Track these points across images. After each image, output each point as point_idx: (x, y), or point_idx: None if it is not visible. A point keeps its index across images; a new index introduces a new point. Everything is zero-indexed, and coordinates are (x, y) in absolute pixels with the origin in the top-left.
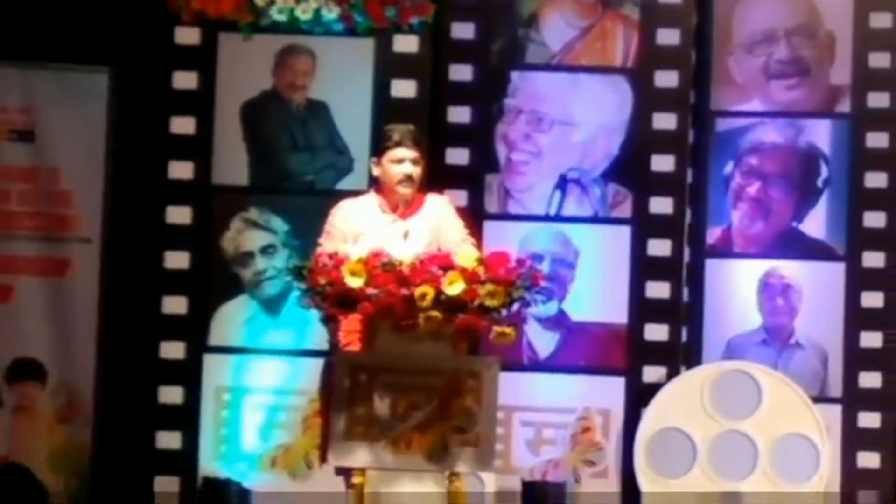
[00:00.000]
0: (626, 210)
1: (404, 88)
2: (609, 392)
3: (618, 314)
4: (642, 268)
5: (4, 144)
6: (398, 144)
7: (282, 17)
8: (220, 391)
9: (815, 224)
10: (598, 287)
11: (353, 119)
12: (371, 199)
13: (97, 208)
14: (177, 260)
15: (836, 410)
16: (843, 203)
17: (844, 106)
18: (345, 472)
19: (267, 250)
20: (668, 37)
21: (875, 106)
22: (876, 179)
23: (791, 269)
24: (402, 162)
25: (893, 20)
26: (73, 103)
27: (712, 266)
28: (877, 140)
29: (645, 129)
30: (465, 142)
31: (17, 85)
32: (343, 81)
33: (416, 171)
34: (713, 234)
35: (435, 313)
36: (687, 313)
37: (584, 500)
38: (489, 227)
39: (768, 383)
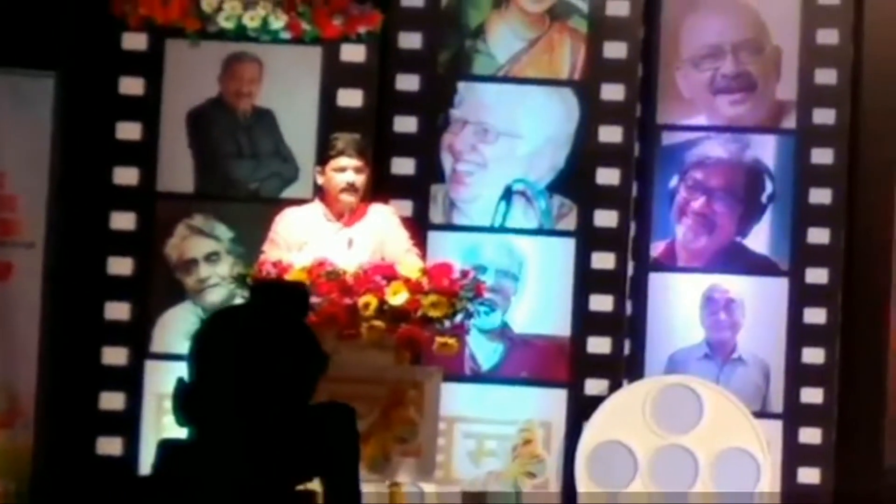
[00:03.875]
0: (570, 223)
1: (350, 98)
2: (551, 404)
3: (561, 327)
4: (586, 281)
5: None
6: (341, 153)
7: (229, 25)
8: (161, 398)
9: (759, 239)
10: (542, 299)
11: (298, 127)
12: (315, 208)
13: (41, 213)
14: (120, 266)
15: (777, 426)
16: (787, 218)
17: (790, 122)
18: None
19: (211, 257)
20: (615, 50)
21: (820, 122)
22: (820, 195)
23: (734, 284)
24: (345, 171)
25: (839, 36)
26: (19, 107)
27: (656, 280)
28: (821, 156)
29: (591, 141)
30: (411, 152)
31: None
32: (289, 90)
33: (359, 179)
34: (657, 248)
35: (378, 323)
36: (630, 327)
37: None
38: (434, 237)
39: (710, 398)
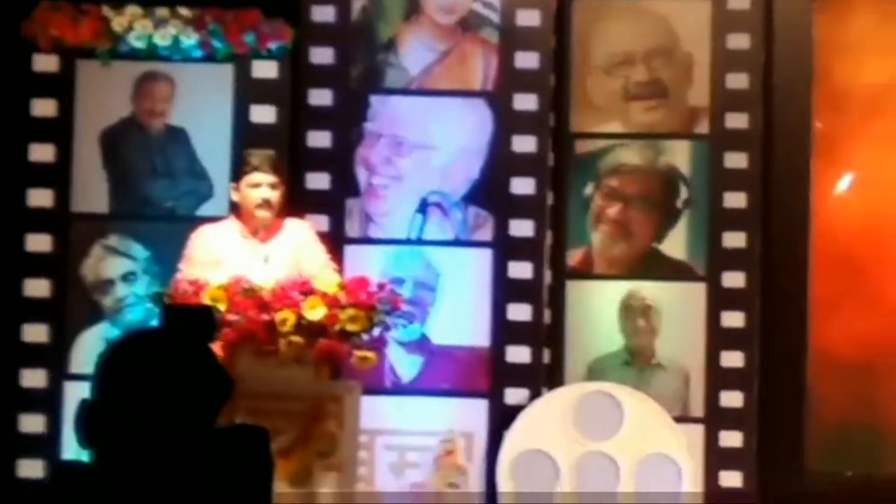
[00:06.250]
0: (486, 233)
1: (264, 114)
2: (472, 415)
3: (480, 337)
4: (503, 290)
5: None
6: (256, 169)
7: (140, 44)
8: None
9: (676, 245)
10: (460, 310)
11: (212, 145)
12: (231, 225)
13: None
14: (37, 288)
15: (698, 430)
16: (703, 223)
17: (703, 127)
18: None
19: (127, 277)
20: (526, 60)
21: (733, 126)
22: (735, 199)
23: (652, 290)
24: (260, 186)
25: (750, 41)
26: None
27: (573, 288)
28: (735, 160)
29: (505, 151)
30: (326, 166)
31: None
32: (202, 107)
33: (273, 195)
34: (574, 256)
35: (296, 338)
36: (548, 335)
37: None
38: (350, 251)
39: (630, 404)
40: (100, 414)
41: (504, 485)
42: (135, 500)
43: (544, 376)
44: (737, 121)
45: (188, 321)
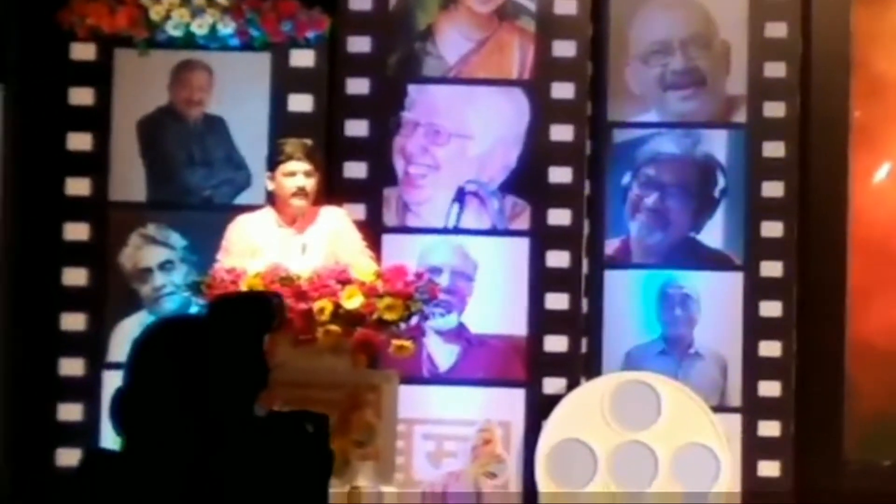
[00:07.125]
0: (524, 222)
1: (301, 103)
2: (509, 404)
3: (517, 326)
4: (541, 279)
5: None
6: (290, 158)
7: (178, 33)
8: None
9: (713, 234)
10: (498, 299)
11: (250, 134)
12: (267, 214)
13: None
14: (74, 277)
15: (735, 419)
16: (740, 213)
17: (740, 116)
18: None
19: (165, 266)
20: (564, 48)
21: (771, 115)
22: (772, 189)
23: (689, 279)
24: (295, 175)
25: (788, 30)
26: None
27: (611, 277)
28: (773, 149)
29: (542, 140)
30: (363, 155)
31: None
32: (240, 96)
33: (309, 183)
34: (611, 245)
35: (333, 327)
36: (586, 324)
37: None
38: (388, 240)
39: (668, 393)
40: (130, 400)
41: (541, 474)
42: (162, 487)
43: (582, 366)
44: (774, 110)
45: (242, 309)
